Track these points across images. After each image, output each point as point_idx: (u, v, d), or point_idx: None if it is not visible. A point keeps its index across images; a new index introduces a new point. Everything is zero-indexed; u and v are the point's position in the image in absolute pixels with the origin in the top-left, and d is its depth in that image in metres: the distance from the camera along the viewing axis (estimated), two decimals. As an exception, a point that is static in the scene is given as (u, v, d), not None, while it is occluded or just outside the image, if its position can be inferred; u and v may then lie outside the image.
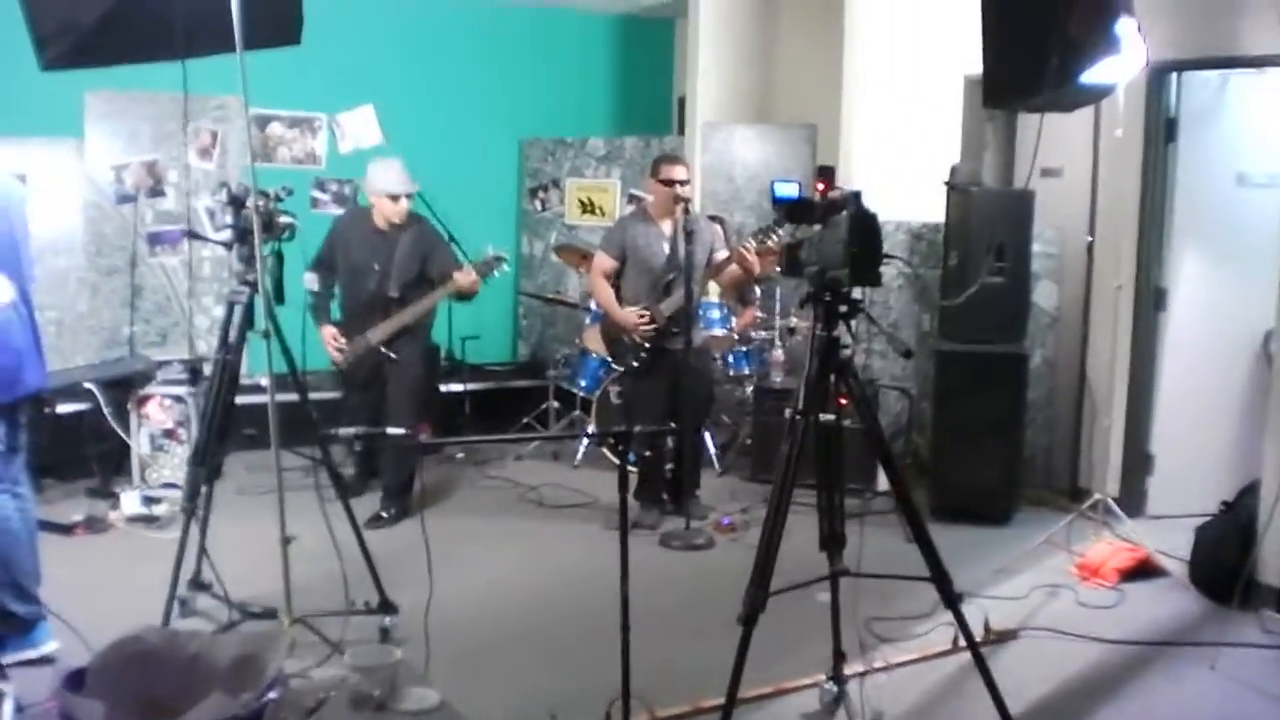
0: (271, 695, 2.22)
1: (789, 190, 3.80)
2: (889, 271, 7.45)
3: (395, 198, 6.57)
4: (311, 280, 6.23)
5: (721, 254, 6.56)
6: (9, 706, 2.29)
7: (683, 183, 6.52)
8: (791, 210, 3.79)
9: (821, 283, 3.70)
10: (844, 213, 3.61)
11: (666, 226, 6.62)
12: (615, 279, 6.82)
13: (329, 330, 6.70)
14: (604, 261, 6.79)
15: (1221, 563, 5.55)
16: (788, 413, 3.83)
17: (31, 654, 4.41)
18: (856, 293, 3.72)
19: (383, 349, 6.60)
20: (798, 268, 3.83)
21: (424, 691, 4.14)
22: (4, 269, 4.45)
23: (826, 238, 3.69)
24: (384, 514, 6.63)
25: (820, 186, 3.77)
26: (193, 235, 4.65)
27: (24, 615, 4.46)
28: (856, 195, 3.59)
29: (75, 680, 2.23)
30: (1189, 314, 6.79)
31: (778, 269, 7.63)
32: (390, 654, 4.40)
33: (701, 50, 9.25)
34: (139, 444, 7.00)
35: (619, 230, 6.83)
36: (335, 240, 6.81)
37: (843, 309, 3.72)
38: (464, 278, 6.46)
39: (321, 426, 4.81)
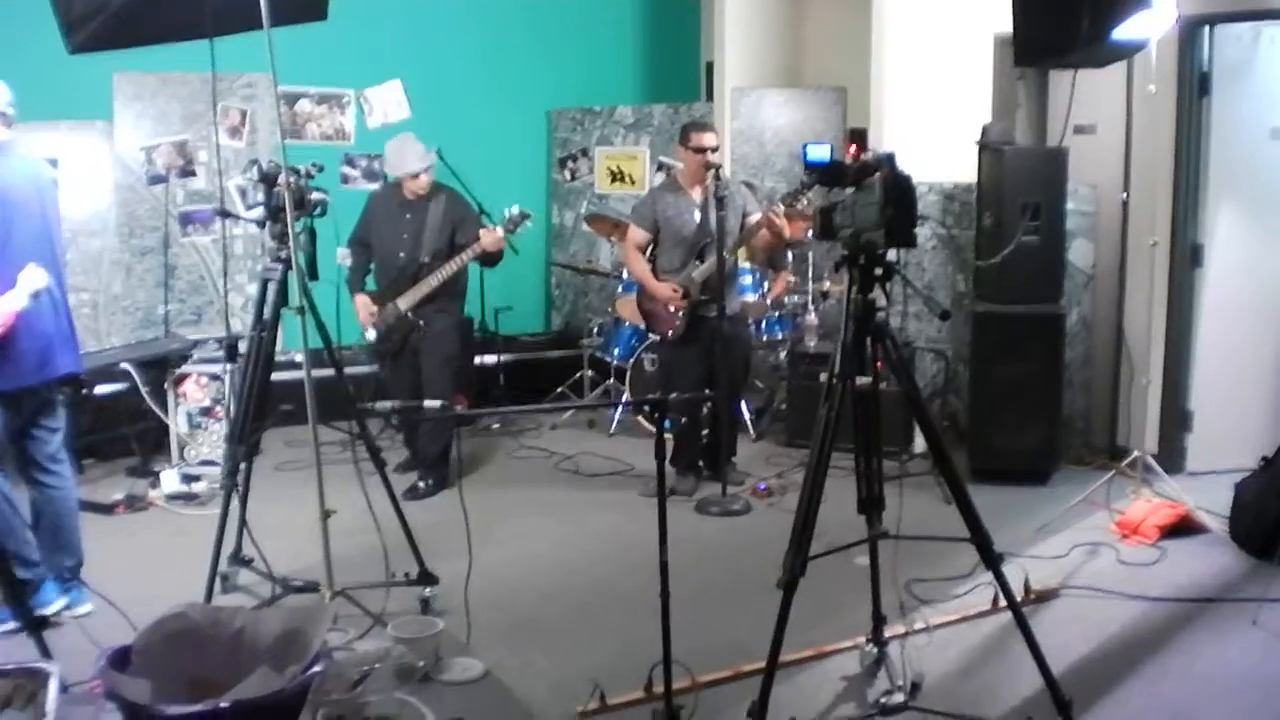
0: (316, 669, 2.23)
1: (821, 154, 3.75)
2: (923, 233, 7.43)
3: (415, 175, 6.59)
4: (344, 256, 6.25)
5: (755, 218, 6.54)
6: (54, 685, 2.32)
7: (713, 149, 6.50)
8: (824, 174, 3.76)
9: (856, 246, 3.67)
10: (877, 175, 3.58)
11: (697, 194, 6.61)
12: (650, 250, 6.82)
13: (362, 299, 6.75)
14: (636, 234, 6.80)
15: (1262, 518, 5.52)
16: (823, 377, 3.80)
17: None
18: (891, 255, 3.70)
19: (411, 315, 6.62)
20: (831, 231, 3.80)
21: (468, 662, 4.16)
22: (38, 255, 4.49)
23: (860, 201, 3.67)
24: (421, 484, 6.68)
25: (852, 149, 3.72)
26: (225, 214, 4.66)
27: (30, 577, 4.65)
28: (890, 157, 3.56)
29: (120, 659, 2.25)
30: (1225, 269, 6.73)
31: (809, 234, 7.68)
32: (433, 625, 4.42)
33: (729, 15, 9.17)
34: (177, 422, 7.05)
35: (649, 202, 6.82)
36: (369, 216, 6.85)
37: (878, 272, 3.69)
38: (488, 236, 6.48)
39: (358, 401, 4.83)
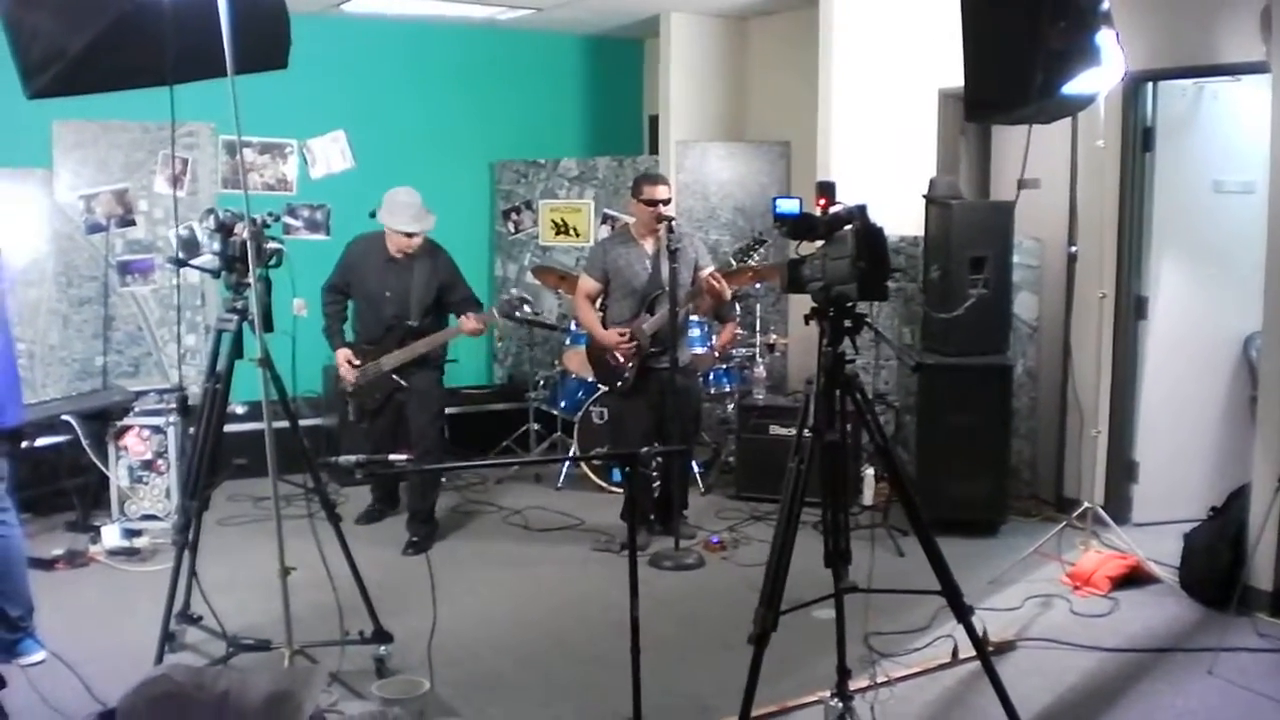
0: (311, 732, 2.17)
1: (791, 206, 3.76)
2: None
3: (410, 234, 6.53)
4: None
5: (707, 270, 6.55)
6: None
7: (664, 202, 6.51)
8: (794, 226, 3.77)
9: (827, 299, 3.68)
10: (848, 228, 3.59)
11: (649, 245, 6.61)
12: (601, 301, 6.82)
13: (344, 352, 6.69)
14: (587, 284, 6.79)
15: (1213, 568, 5.59)
16: (773, 429, 3.79)
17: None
18: (861, 307, 3.71)
19: (394, 376, 6.58)
20: (800, 284, 3.81)
21: (454, 722, 4.10)
22: None
23: (830, 253, 3.68)
24: (414, 539, 6.63)
25: (821, 202, 3.74)
26: (181, 263, 4.59)
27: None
28: (862, 209, 3.58)
29: (103, 722, 2.18)
30: (1170, 321, 6.82)
31: (758, 285, 7.71)
32: (419, 686, 4.34)
33: (673, 69, 9.26)
34: (118, 476, 6.90)
35: (600, 252, 6.82)
36: (348, 265, 6.79)
37: (848, 324, 3.70)
38: (468, 324, 6.52)
39: (315, 454, 4.75)
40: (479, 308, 6.76)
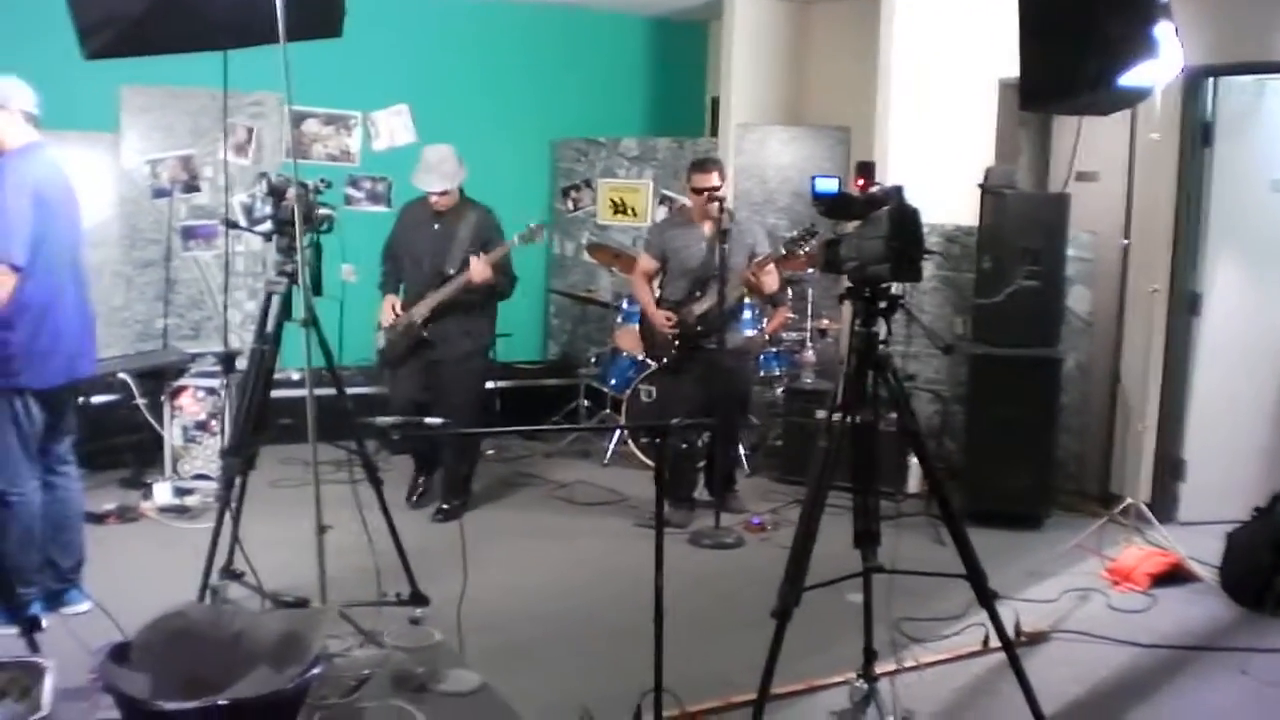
0: (315, 671, 2.23)
1: (829, 185, 3.78)
2: (924, 273, 7.45)
3: (439, 194, 6.60)
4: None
5: (764, 252, 6.58)
6: (50, 679, 2.32)
7: (713, 189, 6.53)
8: (831, 205, 3.79)
9: (861, 278, 3.70)
10: (884, 209, 3.60)
11: (706, 228, 6.65)
12: (661, 280, 6.93)
13: (391, 298, 6.77)
14: (645, 262, 6.91)
15: (1253, 568, 5.54)
16: (820, 414, 3.81)
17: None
18: (895, 288, 3.72)
19: (421, 326, 6.62)
20: (836, 264, 3.82)
21: (465, 674, 4.14)
22: (70, 257, 4.71)
23: (866, 233, 3.69)
24: (445, 505, 6.72)
25: (860, 182, 3.75)
26: (231, 225, 4.68)
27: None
28: (899, 190, 3.59)
29: (119, 653, 2.25)
30: (1223, 319, 6.76)
31: (810, 270, 7.71)
32: (430, 636, 4.40)
33: (735, 52, 9.26)
34: (171, 435, 7.03)
35: (658, 232, 6.95)
36: (398, 227, 6.89)
37: (882, 305, 3.71)
38: (476, 265, 6.45)
39: (358, 418, 4.82)
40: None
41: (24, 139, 4.61)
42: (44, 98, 4.75)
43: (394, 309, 6.73)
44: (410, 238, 6.77)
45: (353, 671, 2.99)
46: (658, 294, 6.93)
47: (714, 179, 6.55)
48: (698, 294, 6.61)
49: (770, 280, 6.59)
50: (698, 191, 6.55)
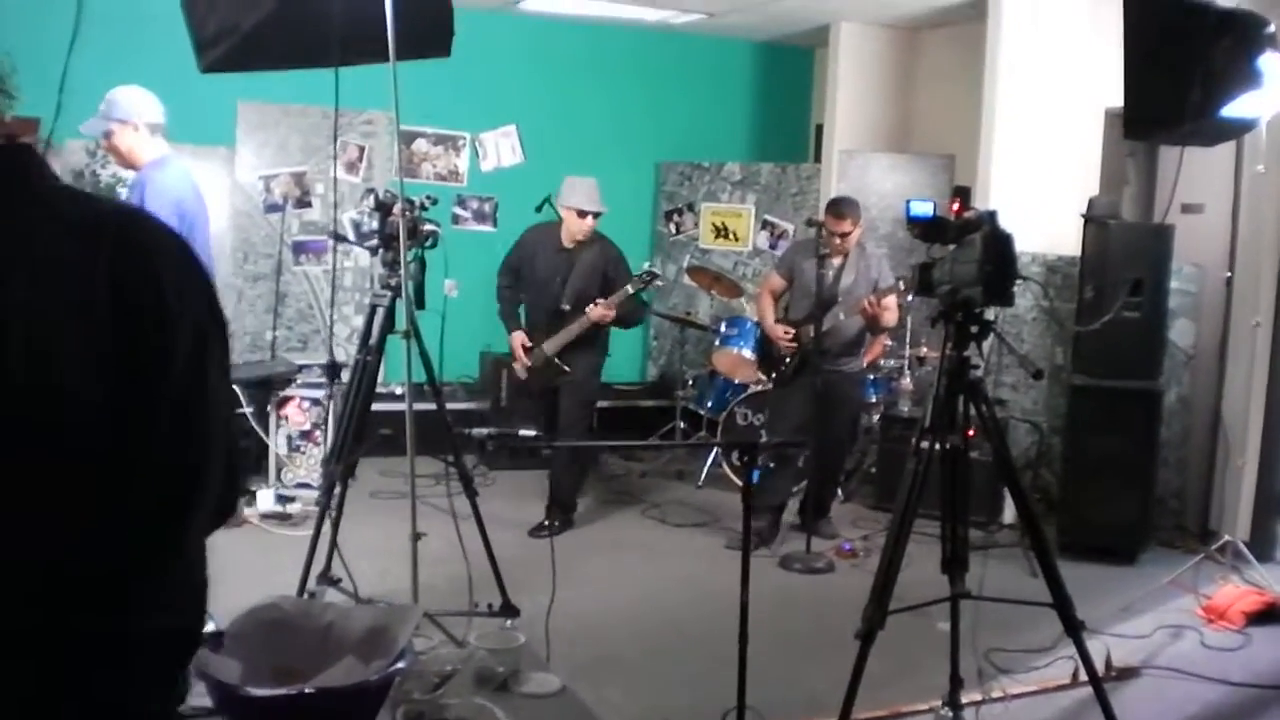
0: (401, 665, 2.30)
1: (924, 209, 3.80)
2: (1024, 303, 7.41)
3: (583, 214, 6.69)
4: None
5: (887, 285, 6.66)
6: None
7: (843, 234, 6.60)
8: (925, 229, 3.81)
9: (954, 302, 3.71)
10: (978, 233, 3.62)
11: (836, 259, 6.71)
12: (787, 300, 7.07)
13: (519, 336, 6.90)
14: (773, 279, 7.08)
15: (1353, 611, 5.42)
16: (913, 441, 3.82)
17: None
18: (989, 314, 3.73)
19: (557, 360, 6.76)
20: (930, 287, 3.84)
21: (546, 677, 4.22)
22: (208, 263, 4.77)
23: (960, 257, 3.71)
24: (546, 523, 6.80)
25: (955, 206, 3.76)
26: (339, 238, 4.81)
27: None
28: (992, 214, 3.60)
29: (213, 641, 2.34)
30: (1328, 355, 6.61)
31: (910, 298, 7.69)
32: (515, 638, 4.48)
33: (841, 79, 9.29)
34: (276, 444, 7.20)
35: (791, 253, 7.12)
36: (523, 251, 6.98)
37: (974, 329, 3.72)
38: (594, 311, 6.62)
39: (453, 428, 4.91)
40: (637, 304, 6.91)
41: (156, 152, 4.76)
42: (166, 111, 4.92)
43: (524, 345, 6.85)
44: (537, 263, 6.87)
45: (437, 668, 3.07)
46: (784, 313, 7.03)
47: (845, 225, 6.61)
48: (818, 314, 6.65)
49: (890, 316, 6.61)
50: (829, 234, 6.63)
